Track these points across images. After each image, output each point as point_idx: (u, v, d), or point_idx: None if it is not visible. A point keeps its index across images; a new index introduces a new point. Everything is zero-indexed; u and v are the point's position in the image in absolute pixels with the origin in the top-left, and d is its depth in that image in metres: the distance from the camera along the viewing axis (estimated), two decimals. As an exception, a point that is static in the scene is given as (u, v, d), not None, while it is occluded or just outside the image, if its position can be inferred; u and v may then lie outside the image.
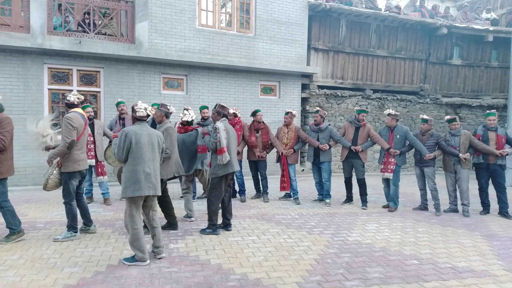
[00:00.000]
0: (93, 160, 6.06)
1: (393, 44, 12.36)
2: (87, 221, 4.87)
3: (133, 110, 4.01)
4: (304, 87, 11.08)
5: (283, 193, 7.35)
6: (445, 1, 16.10)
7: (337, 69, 11.70)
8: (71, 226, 4.59)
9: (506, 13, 14.06)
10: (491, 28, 12.87)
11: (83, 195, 5.04)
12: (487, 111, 6.56)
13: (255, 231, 5.11)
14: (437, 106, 12.77)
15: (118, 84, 8.74)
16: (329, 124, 7.07)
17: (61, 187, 4.56)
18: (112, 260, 3.93)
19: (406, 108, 12.36)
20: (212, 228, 4.96)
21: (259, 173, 7.17)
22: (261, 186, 7.23)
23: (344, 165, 6.90)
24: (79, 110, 4.67)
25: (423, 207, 6.67)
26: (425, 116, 6.57)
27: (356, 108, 7.00)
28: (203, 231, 4.96)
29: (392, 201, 6.58)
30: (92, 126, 6.11)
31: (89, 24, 8.39)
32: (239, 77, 10.02)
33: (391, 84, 12.45)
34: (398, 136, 6.48)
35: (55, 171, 4.46)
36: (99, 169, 6.29)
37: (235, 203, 6.85)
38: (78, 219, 4.68)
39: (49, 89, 8.27)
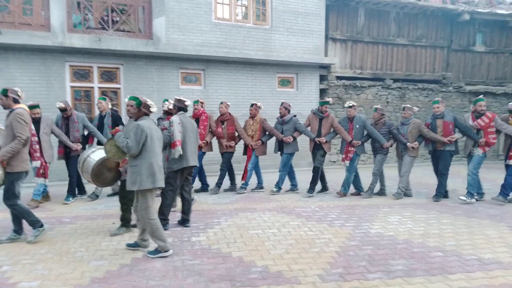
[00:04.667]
0: (39, 162, 5.73)
1: (414, 32, 12.06)
2: (19, 229, 4.46)
3: (145, 106, 4.03)
4: (322, 78, 10.96)
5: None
6: (467, -15, 15.54)
7: (356, 59, 11.52)
8: (33, 222, 4.33)
9: (532, -4, 13.50)
10: (516, 13, 12.40)
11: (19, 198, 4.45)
12: (435, 99, 6.60)
13: (275, 224, 5.12)
14: (460, 95, 12.44)
15: (137, 80, 8.86)
16: (294, 116, 7.04)
17: None
18: (136, 253, 4.01)
19: (428, 97, 12.08)
20: (163, 223, 4.78)
21: (220, 164, 7.12)
22: (218, 179, 7.12)
23: (312, 156, 6.99)
24: (24, 106, 4.38)
25: (381, 192, 6.95)
26: (376, 106, 6.92)
27: (320, 100, 7.08)
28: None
29: (343, 186, 6.83)
30: (37, 125, 5.82)
31: (107, 21, 8.51)
32: (256, 70, 9.99)
33: (412, 73, 12.18)
34: (357, 126, 6.68)
35: (0, 171, 4.13)
36: (42, 171, 5.89)
37: (255, 196, 6.89)
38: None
39: (71, 86, 8.45)
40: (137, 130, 3.82)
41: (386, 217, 5.48)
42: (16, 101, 4.30)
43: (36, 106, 5.89)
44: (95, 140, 6.67)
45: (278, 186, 7.05)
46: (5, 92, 4.27)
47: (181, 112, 5.00)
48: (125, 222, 4.75)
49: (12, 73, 7.89)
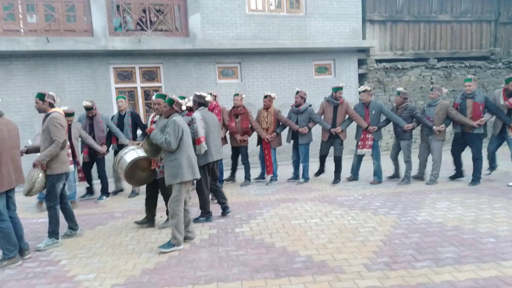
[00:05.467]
0: (72, 166, 5.83)
1: (457, 7, 11.37)
2: (74, 225, 4.69)
3: (177, 104, 4.22)
4: (361, 62, 10.64)
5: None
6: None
7: (396, 40, 11.07)
8: (54, 232, 4.37)
9: None
10: None
11: (67, 198, 4.70)
12: (467, 77, 6.14)
13: (317, 213, 5.12)
14: (511, 71, 11.60)
15: (177, 77, 9.10)
16: (310, 105, 6.85)
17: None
18: (184, 245, 4.17)
19: (475, 75, 11.37)
20: (206, 216, 5.05)
21: (241, 159, 7.06)
22: (244, 172, 7.16)
23: (323, 144, 6.87)
24: (59, 110, 4.45)
25: (395, 175, 6.92)
26: (399, 89, 6.62)
27: (332, 86, 6.78)
28: (196, 220, 4.95)
29: (376, 175, 6.71)
30: (69, 130, 5.82)
31: (146, 22, 8.78)
32: (292, 59, 9.90)
33: (457, 50, 11.53)
34: (373, 112, 6.52)
35: (41, 174, 4.24)
36: (81, 174, 6.31)
37: (296, 186, 6.87)
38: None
39: (116, 88, 8.85)
40: (174, 126, 4.00)
41: (434, 204, 5.29)
42: (51, 106, 4.38)
43: (71, 114, 5.99)
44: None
45: (305, 176, 7.05)
46: (42, 96, 4.33)
47: (202, 107, 5.06)
48: (151, 222, 5.00)
49: (61, 78, 8.39)
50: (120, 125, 6.69)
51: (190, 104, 5.24)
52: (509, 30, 11.83)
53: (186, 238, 4.29)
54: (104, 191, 6.67)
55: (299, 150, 6.98)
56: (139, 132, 6.78)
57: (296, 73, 9.96)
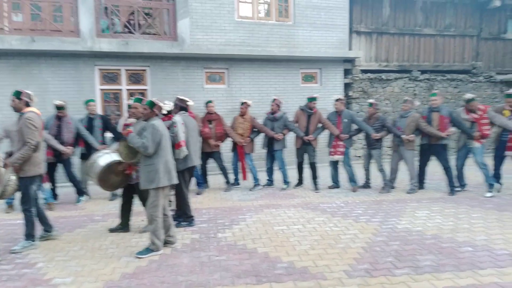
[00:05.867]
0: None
1: (441, 21, 11.69)
2: (48, 227, 4.56)
3: (158, 107, 4.19)
4: (347, 72, 10.81)
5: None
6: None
7: (381, 52, 11.30)
8: (30, 235, 4.26)
9: None
10: (552, -4, 11.77)
11: (40, 201, 4.58)
12: (433, 92, 6.54)
13: (300, 220, 5.14)
14: (491, 85, 11.95)
15: (163, 81, 9.06)
16: (285, 113, 7.03)
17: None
18: (164, 250, 4.13)
19: (457, 88, 11.68)
20: (188, 220, 5.00)
21: (217, 165, 7.10)
22: (224, 177, 7.20)
23: (297, 151, 7.05)
24: (35, 109, 4.26)
25: (365, 185, 7.09)
26: (371, 100, 6.95)
27: (308, 96, 6.97)
28: (178, 225, 4.89)
29: (352, 181, 6.91)
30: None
31: (134, 25, 8.74)
32: (279, 67, 9.99)
33: (440, 63, 11.82)
34: (345, 120, 6.77)
35: (13, 176, 4.14)
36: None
37: (275, 193, 6.92)
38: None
39: (101, 89, 8.75)
40: (153, 130, 3.94)
41: (414, 212, 5.38)
42: (27, 105, 4.20)
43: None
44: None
45: (286, 181, 7.18)
46: (18, 94, 4.16)
47: (183, 112, 5.03)
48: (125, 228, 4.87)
49: (45, 78, 8.27)
50: (90, 128, 6.54)
51: (169, 108, 5.14)
52: (490, 45, 12.21)
53: (167, 243, 4.25)
54: (80, 192, 6.52)
55: (275, 156, 7.10)
56: (109, 135, 6.69)
57: (283, 81, 10.05)
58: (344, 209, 5.63)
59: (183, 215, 5.03)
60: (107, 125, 6.69)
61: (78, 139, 6.45)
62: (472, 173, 7.50)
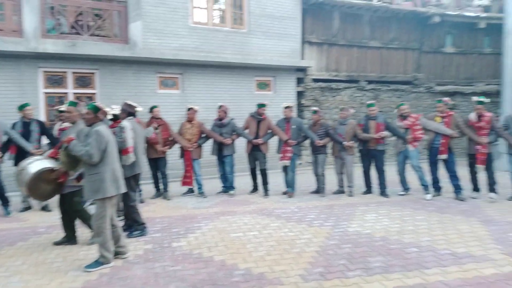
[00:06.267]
0: None
1: (386, 35, 12.39)
2: None
3: (103, 112, 3.95)
4: (299, 81, 11.11)
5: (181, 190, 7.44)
6: (436, -11, 16.08)
7: (332, 62, 11.73)
8: None
9: (497, -1, 14.09)
10: (483, 15, 12.92)
11: None
12: (368, 102, 7.12)
13: (256, 226, 5.16)
14: (431, 95, 12.82)
15: (113, 85, 8.74)
16: (232, 119, 7.18)
17: None
18: (115, 261, 3.96)
19: (400, 98, 12.40)
20: (140, 228, 4.84)
21: (160, 171, 7.00)
22: (162, 184, 7.09)
23: (249, 157, 7.21)
24: None
25: (317, 191, 7.23)
26: (315, 108, 7.26)
27: (259, 102, 7.21)
28: (130, 235, 4.72)
29: (290, 186, 7.08)
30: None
31: (82, 26, 8.36)
32: (234, 74, 10.03)
33: (385, 74, 12.50)
34: (294, 127, 6.95)
35: None
36: None
37: (230, 200, 6.91)
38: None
39: (44, 93, 8.25)
40: (98, 136, 3.70)
41: (363, 216, 5.61)
42: None
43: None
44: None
45: (232, 187, 7.26)
46: None
47: (131, 117, 4.89)
48: (71, 240, 4.58)
49: (-18, 79, 7.65)
50: (26, 133, 6.07)
51: (115, 112, 4.92)
52: (431, 58, 13.12)
53: (118, 254, 4.06)
54: (5, 204, 6.00)
55: (225, 162, 7.11)
56: (45, 140, 6.35)
57: (238, 88, 10.10)
58: (298, 214, 5.74)
59: (134, 224, 4.86)
60: (44, 130, 6.29)
61: (8, 145, 5.95)
62: (415, 177, 7.95)
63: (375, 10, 11.78)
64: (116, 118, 5.06)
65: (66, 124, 4.29)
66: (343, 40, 11.78)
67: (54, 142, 5.96)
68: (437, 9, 12.51)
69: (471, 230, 4.83)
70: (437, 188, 6.92)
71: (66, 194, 4.38)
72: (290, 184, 7.09)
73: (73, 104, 4.00)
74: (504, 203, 6.29)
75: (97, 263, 3.81)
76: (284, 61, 10.36)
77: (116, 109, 5.01)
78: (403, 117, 6.81)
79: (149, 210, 6.14)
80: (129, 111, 4.90)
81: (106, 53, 8.29)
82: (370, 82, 12.12)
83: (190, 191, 7.34)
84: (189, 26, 9.38)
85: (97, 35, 8.56)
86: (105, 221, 3.83)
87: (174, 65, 9.31)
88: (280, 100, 10.40)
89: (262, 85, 10.59)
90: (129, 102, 4.99)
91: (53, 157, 4.36)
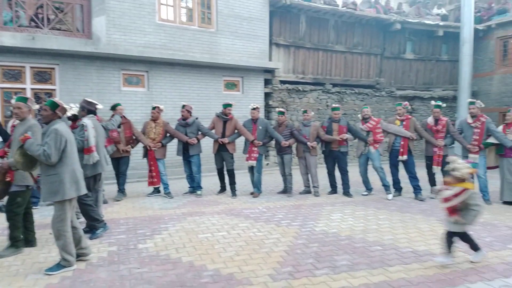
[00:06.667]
0: None
1: (351, 40, 12.74)
2: None
3: (62, 109, 3.76)
4: (267, 82, 11.19)
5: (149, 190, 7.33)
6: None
7: (298, 64, 11.91)
8: None
9: (454, 9, 14.91)
10: (441, 23, 13.62)
11: None
12: (333, 106, 7.34)
13: (224, 226, 5.14)
14: (392, 99, 13.33)
15: (74, 81, 8.40)
16: (197, 118, 7.17)
17: None
18: (78, 264, 3.81)
19: (363, 101, 12.80)
20: (101, 225, 4.72)
21: (121, 171, 6.85)
22: (117, 184, 6.95)
23: (216, 157, 7.21)
24: None
25: (284, 191, 7.34)
26: (281, 109, 7.37)
27: (224, 103, 7.23)
28: (94, 235, 4.59)
29: (256, 187, 7.13)
30: None
31: (42, 19, 7.97)
32: (202, 73, 9.94)
33: (349, 78, 12.85)
34: (260, 127, 7.04)
35: None
36: None
37: (198, 200, 6.85)
38: None
39: (0, 88, 7.79)
40: (56, 135, 3.50)
41: (329, 215, 5.74)
42: None
43: None
44: None
45: (199, 187, 7.20)
46: None
47: (91, 115, 4.71)
48: (15, 241, 4.15)
49: None
50: None
51: (75, 111, 4.72)
52: (392, 63, 13.64)
53: (80, 256, 3.90)
54: None
55: (192, 162, 7.03)
56: None
57: (206, 87, 10.02)
58: (266, 214, 5.77)
59: (94, 222, 4.68)
60: None
61: None
62: (377, 178, 8.23)
63: (340, 15, 12.10)
64: (75, 118, 4.86)
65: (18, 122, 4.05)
66: (310, 43, 11.99)
67: (6, 138, 5.61)
68: (399, 16, 13.03)
69: (431, 229, 5.06)
70: (398, 188, 7.20)
71: (10, 192, 4.12)
72: (256, 185, 7.13)
73: (22, 99, 3.77)
74: (459, 203, 6.64)
75: (59, 266, 3.65)
76: (252, 62, 10.40)
77: (75, 109, 4.74)
78: (365, 120, 7.05)
79: (113, 211, 5.96)
80: (88, 109, 4.70)
81: (67, 48, 7.95)
82: (335, 85, 12.42)
83: (156, 191, 7.19)
84: (155, 23, 9.20)
85: (58, 29, 8.19)
86: (65, 224, 3.66)
87: (139, 63, 9.09)
88: (248, 101, 10.44)
89: (230, 85, 10.57)
90: (89, 99, 4.79)
91: (1, 156, 4.12)
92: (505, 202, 6.50)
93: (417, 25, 13.29)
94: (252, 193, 7.18)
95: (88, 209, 4.63)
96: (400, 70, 13.79)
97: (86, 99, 4.79)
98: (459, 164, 3.73)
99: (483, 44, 13.45)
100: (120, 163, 6.79)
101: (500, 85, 13.05)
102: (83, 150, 4.51)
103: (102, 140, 4.84)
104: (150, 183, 6.97)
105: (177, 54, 9.27)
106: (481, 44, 13.36)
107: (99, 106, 4.77)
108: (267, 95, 11.22)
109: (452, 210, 3.72)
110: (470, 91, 11.84)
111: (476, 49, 12.68)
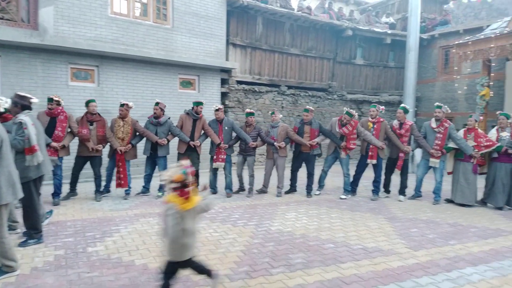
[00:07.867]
0: None
1: (305, 43, 13.05)
2: None
3: None
4: (224, 82, 11.15)
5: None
6: (349, 4, 17.42)
7: (255, 65, 11.99)
8: None
9: (401, 18, 15.75)
10: (389, 31, 14.34)
11: None
12: (305, 107, 7.43)
13: (179, 227, 5.05)
14: (343, 102, 13.84)
15: (18, 74, 7.84)
16: (169, 118, 7.02)
17: None
18: (22, 269, 3.57)
19: (316, 103, 13.17)
20: (37, 236, 4.33)
21: (93, 171, 6.52)
22: (95, 185, 6.61)
23: (182, 158, 7.03)
24: None
25: (239, 190, 7.39)
26: (249, 110, 7.37)
27: (194, 100, 7.21)
28: (24, 243, 4.22)
29: (229, 188, 7.16)
30: None
31: (-20, 5, 7.37)
32: (156, 70, 9.69)
33: (303, 81, 13.15)
34: (226, 128, 7.07)
35: None
36: None
37: (151, 201, 6.67)
38: None
39: None
40: None
41: (284, 215, 5.84)
42: None
43: None
44: None
45: (163, 190, 6.93)
46: None
47: (27, 111, 4.27)
48: None
49: None
50: None
51: (7, 106, 4.23)
52: (343, 68, 14.15)
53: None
54: None
55: (158, 163, 6.83)
56: None
57: (160, 85, 9.78)
58: (222, 215, 5.76)
59: (32, 231, 4.31)
60: None
61: None
62: (330, 178, 8.53)
63: (296, 19, 12.35)
64: (6, 112, 4.37)
65: None
66: (266, 45, 12.12)
67: None
68: (350, 23, 13.55)
69: (379, 227, 5.32)
70: (354, 190, 7.45)
71: None
72: (228, 186, 7.13)
73: None
74: (406, 202, 7.05)
75: (1, 272, 3.40)
76: (209, 60, 10.31)
77: (6, 102, 4.21)
78: (343, 124, 7.07)
79: (59, 213, 5.63)
80: (22, 104, 4.21)
81: (10, 39, 7.40)
82: (290, 87, 12.66)
83: (106, 191, 6.88)
84: (107, 16, 8.83)
85: (1, 18, 7.60)
86: (4, 230, 3.43)
87: (89, 57, 8.68)
88: (204, 100, 10.29)
89: (186, 84, 10.41)
90: (21, 93, 4.33)
91: None
92: (447, 200, 6.97)
93: (367, 32, 13.89)
94: (229, 196, 7.08)
95: (34, 216, 4.29)
96: (351, 75, 14.34)
97: (18, 93, 4.32)
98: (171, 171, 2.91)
99: (427, 52, 14.36)
100: (92, 163, 6.44)
101: (441, 91, 14.01)
102: (24, 150, 4.11)
103: (43, 139, 4.48)
104: (118, 185, 6.61)
105: (131, 49, 8.97)
106: (425, 53, 14.25)
107: (34, 100, 4.32)
108: (223, 95, 11.18)
109: None
110: (414, 97, 12.56)
111: (421, 57, 13.48)
